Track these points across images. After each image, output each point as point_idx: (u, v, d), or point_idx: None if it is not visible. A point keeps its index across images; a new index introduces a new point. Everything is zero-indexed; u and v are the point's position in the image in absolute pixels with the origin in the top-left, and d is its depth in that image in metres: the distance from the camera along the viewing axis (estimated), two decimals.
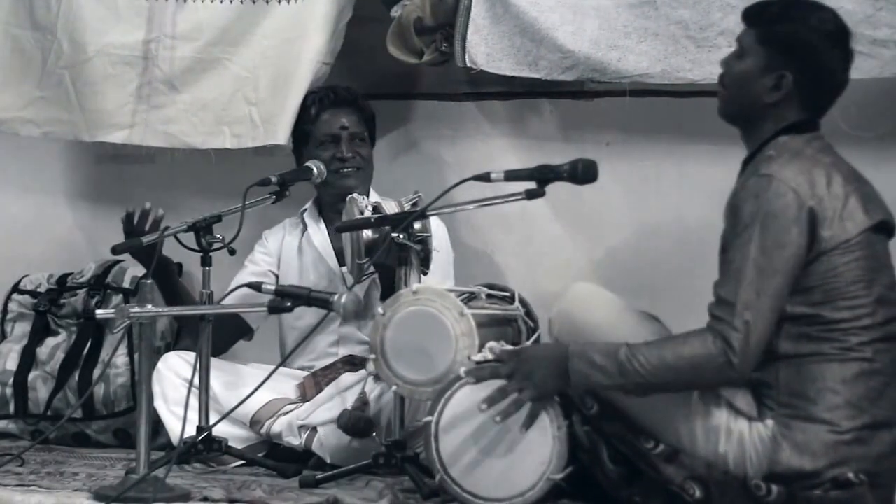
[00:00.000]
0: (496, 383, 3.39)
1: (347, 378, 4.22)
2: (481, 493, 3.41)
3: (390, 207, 3.97)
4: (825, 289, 3.20)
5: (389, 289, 3.84)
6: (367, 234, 3.90)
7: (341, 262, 4.39)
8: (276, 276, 4.50)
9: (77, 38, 4.79)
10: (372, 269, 3.98)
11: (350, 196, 4.03)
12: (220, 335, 4.29)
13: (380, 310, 3.60)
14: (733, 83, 3.38)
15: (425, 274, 3.83)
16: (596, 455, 3.40)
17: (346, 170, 4.41)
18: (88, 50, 4.77)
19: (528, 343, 3.69)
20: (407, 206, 3.92)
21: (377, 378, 3.81)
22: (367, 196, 4.38)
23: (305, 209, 4.56)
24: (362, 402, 4.00)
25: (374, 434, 3.92)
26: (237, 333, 4.49)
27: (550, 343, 3.42)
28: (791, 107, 3.32)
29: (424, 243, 3.81)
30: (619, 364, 3.22)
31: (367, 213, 3.89)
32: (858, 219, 3.23)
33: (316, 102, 4.50)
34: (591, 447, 3.40)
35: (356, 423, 3.94)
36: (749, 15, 3.40)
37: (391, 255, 3.82)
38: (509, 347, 3.48)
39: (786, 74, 3.29)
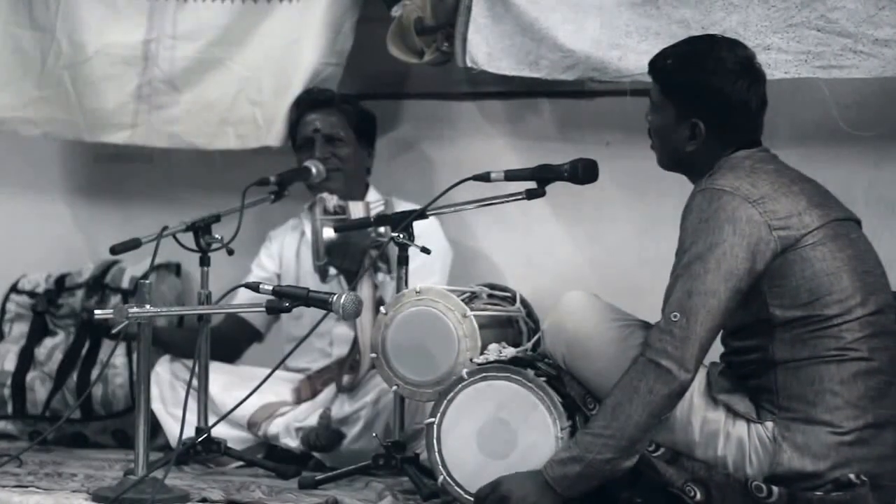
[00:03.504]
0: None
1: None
2: None
3: (357, 210, 4.02)
4: (809, 286, 3.19)
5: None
6: (328, 235, 3.94)
7: None
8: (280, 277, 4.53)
9: (77, 37, 4.79)
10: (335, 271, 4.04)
11: (319, 195, 4.07)
12: (230, 341, 4.34)
13: (382, 309, 3.60)
14: (655, 137, 3.43)
15: (390, 275, 3.87)
16: None
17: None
18: (88, 49, 4.78)
19: (530, 343, 3.68)
20: (375, 210, 3.96)
21: (348, 391, 3.97)
22: (367, 196, 4.40)
23: (304, 210, 4.56)
24: (325, 417, 4.08)
25: (375, 435, 3.91)
26: (247, 338, 4.52)
27: (522, 473, 3.32)
28: (716, 146, 3.34)
29: (380, 247, 3.87)
30: (580, 444, 3.22)
31: (327, 216, 3.95)
32: (817, 213, 3.23)
33: (296, 107, 4.51)
34: None
35: (315, 440, 4.07)
36: (650, 67, 3.43)
37: (348, 259, 3.86)
38: (483, 486, 3.36)
39: (697, 123, 3.32)
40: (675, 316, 3.15)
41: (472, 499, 3.39)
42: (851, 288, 3.21)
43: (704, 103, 3.31)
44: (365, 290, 4.00)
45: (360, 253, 3.96)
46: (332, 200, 4.06)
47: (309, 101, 4.49)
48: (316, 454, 4.14)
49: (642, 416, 3.16)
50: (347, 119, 4.48)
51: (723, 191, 3.21)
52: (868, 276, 3.25)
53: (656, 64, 3.41)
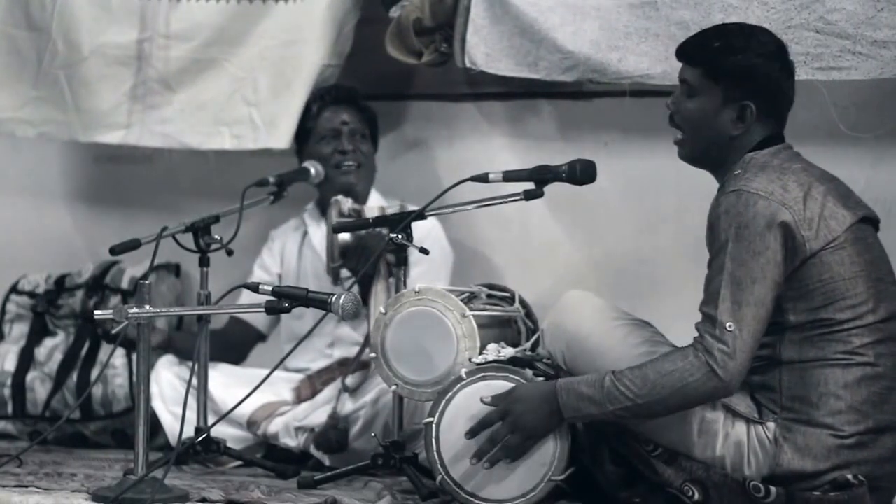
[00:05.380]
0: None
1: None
2: (483, 494, 3.41)
3: (372, 214, 4.02)
4: (824, 290, 3.20)
5: (365, 294, 3.88)
6: (343, 237, 3.95)
7: None
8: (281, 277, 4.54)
9: (72, 37, 4.79)
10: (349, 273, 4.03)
11: (334, 198, 4.08)
12: (235, 345, 4.37)
13: (381, 309, 3.61)
14: (690, 124, 3.37)
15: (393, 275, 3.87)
16: (596, 456, 3.40)
17: (346, 164, 4.43)
18: (83, 50, 4.77)
19: (528, 343, 3.69)
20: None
21: (352, 390, 3.96)
22: (368, 198, 4.41)
23: (307, 209, 4.57)
24: (334, 418, 4.06)
25: (374, 435, 3.92)
26: (252, 341, 4.53)
27: (538, 382, 3.39)
28: (754, 132, 3.33)
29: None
30: (605, 391, 3.23)
31: (344, 218, 3.94)
32: (841, 216, 3.24)
33: (317, 100, 4.52)
34: (592, 448, 3.40)
35: (329, 442, 4.06)
36: (689, 52, 3.38)
37: (362, 261, 3.88)
38: (500, 393, 3.41)
39: (748, 105, 3.30)
40: (730, 326, 3.15)
41: (470, 498, 3.41)
42: (865, 294, 3.22)
43: (755, 85, 3.29)
44: (379, 292, 3.99)
45: (398, 251, 3.93)
46: (347, 203, 4.06)
47: (335, 97, 4.51)
48: (317, 454, 4.14)
49: (674, 403, 3.20)
50: (366, 119, 4.52)
51: (758, 195, 3.19)
52: (881, 282, 3.26)
53: (701, 46, 3.36)
